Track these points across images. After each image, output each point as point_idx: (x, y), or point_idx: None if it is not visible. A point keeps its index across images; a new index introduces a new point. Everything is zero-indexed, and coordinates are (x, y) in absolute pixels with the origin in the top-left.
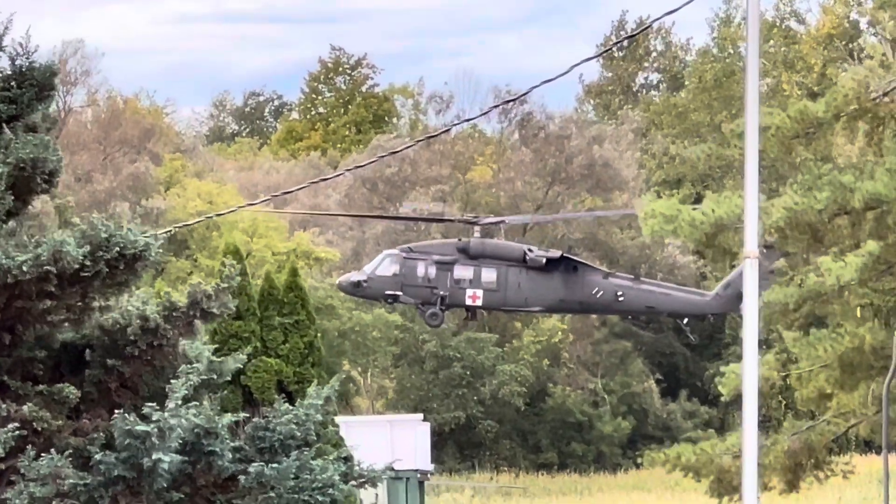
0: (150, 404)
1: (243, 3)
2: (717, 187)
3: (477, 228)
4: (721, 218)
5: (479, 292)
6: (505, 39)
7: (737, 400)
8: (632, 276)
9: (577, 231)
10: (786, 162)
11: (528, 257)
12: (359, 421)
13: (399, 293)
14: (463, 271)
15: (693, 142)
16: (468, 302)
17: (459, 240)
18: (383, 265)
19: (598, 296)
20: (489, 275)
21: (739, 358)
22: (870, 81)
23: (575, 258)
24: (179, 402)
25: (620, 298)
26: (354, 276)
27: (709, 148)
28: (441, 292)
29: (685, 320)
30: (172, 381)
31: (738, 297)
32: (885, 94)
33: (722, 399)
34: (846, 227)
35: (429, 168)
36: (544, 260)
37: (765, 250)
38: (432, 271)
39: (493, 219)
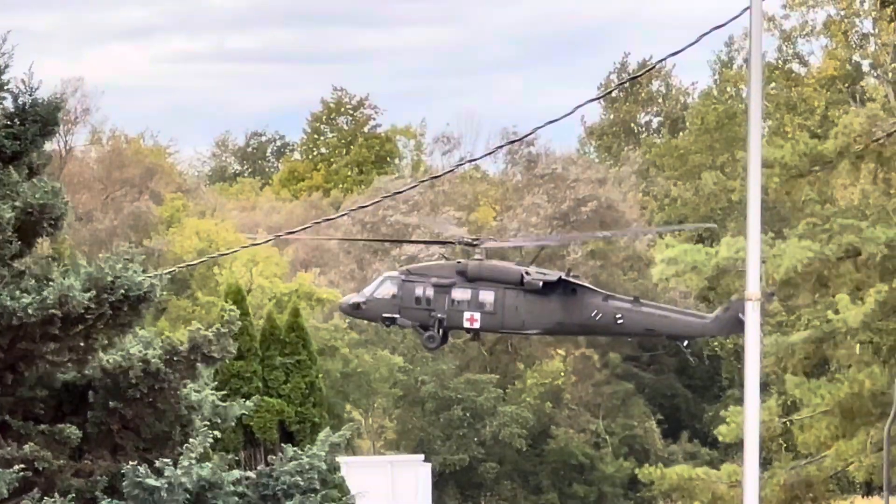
0: (164, 460)
1: (245, 43)
2: (720, 229)
3: (478, 251)
4: (722, 261)
5: (477, 315)
6: (508, 80)
7: (737, 443)
8: (631, 299)
9: (581, 274)
10: (788, 202)
11: (525, 280)
12: (360, 462)
13: (396, 315)
14: (461, 293)
15: (694, 184)
16: (466, 325)
17: (459, 262)
18: (382, 287)
19: (597, 318)
20: (486, 297)
21: (739, 401)
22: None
23: (573, 280)
24: (195, 461)
25: (619, 321)
26: (354, 298)
27: (716, 176)
28: (438, 315)
29: (685, 343)
30: (191, 438)
31: (738, 321)
32: (889, 136)
33: (721, 441)
34: (852, 271)
35: (436, 210)
36: (541, 283)
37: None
38: (430, 293)
39: (495, 242)
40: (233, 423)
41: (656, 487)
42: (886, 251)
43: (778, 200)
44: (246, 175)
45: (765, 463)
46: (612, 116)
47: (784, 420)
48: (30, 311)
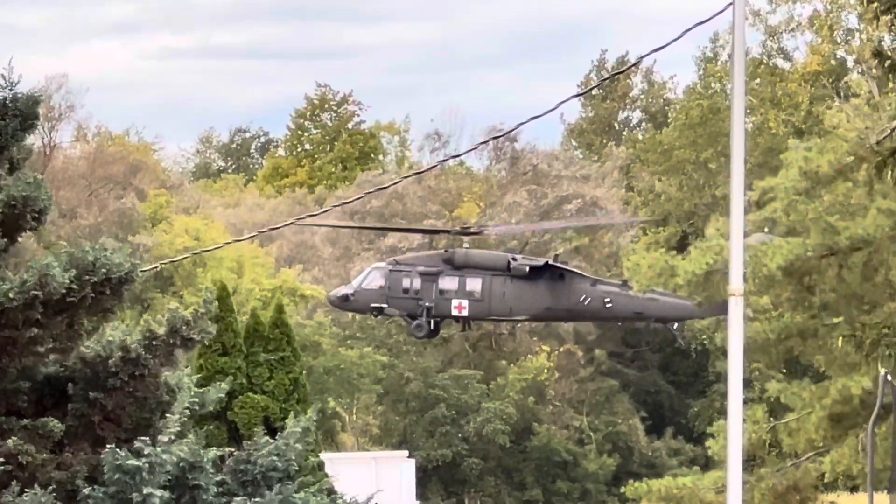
0: (142, 438)
1: (230, 39)
2: (704, 224)
3: (466, 239)
4: (709, 264)
5: (465, 302)
6: (492, 76)
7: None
8: (619, 283)
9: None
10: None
11: (512, 266)
12: (344, 457)
13: (384, 305)
14: (448, 282)
15: (678, 179)
16: (454, 312)
17: (445, 251)
18: (370, 278)
19: (585, 303)
20: (474, 285)
21: (724, 395)
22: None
23: (561, 266)
24: (173, 438)
25: (608, 305)
26: (342, 290)
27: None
28: (426, 304)
29: (675, 325)
30: (168, 415)
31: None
32: (878, 143)
33: (710, 454)
34: (833, 267)
35: (418, 205)
36: (528, 268)
37: None
38: (417, 283)
39: (487, 230)
40: (211, 408)
41: (644, 501)
42: (869, 248)
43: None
44: (230, 171)
45: (753, 467)
46: (592, 114)
47: (771, 425)
48: (11, 296)
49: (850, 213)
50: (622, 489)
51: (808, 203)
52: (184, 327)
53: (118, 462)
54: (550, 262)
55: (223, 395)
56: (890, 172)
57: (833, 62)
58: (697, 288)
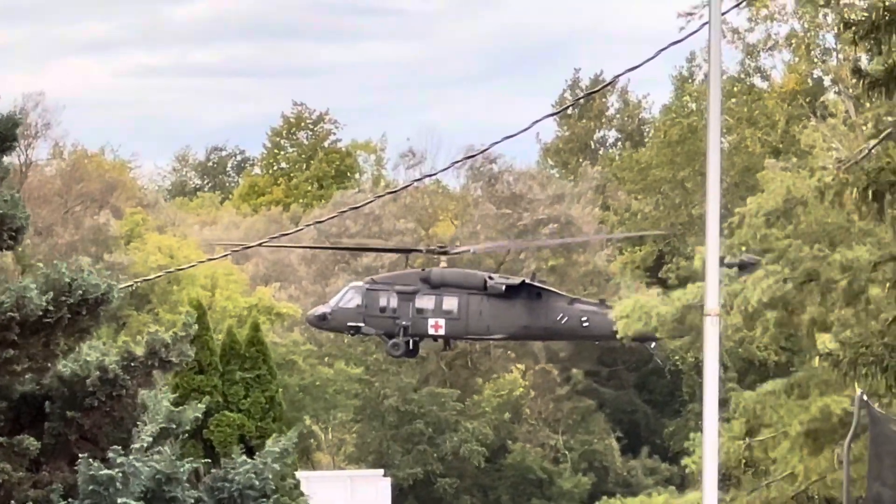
0: (114, 447)
1: (206, 57)
2: (679, 244)
3: (444, 258)
4: (687, 303)
5: (442, 321)
6: (469, 95)
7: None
8: (597, 302)
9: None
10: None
11: (489, 284)
12: (320, 476)
13: (361, 324)
14: (425, 301)
15: (654, 198)
16: (430, 331)
17: (423, 269)
18: (346, 297)
19: (562, 322)
20: (450, 303)
21: (699, 415)
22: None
23: (538, 284)
24: (145, 446)
25: (585, 324)
26: (320, 310)
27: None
28: (403, 322)
29: (652, 344)
30: (139, 423)
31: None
32: (856, 162)
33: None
34: (817, 293)
35: (395, 223)
36: (504, 287)
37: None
38: (394, 302)
39: (461, 248)
40: (188, 427)
41: None
42: (848, 275)
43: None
44: (206, 190)
45: (729, 486)
46: (568, 133)
47: (747, 442)
48: None
49: (830, 239)
50: (592, 484)
51: (782, 229)
52: (163, 349)
53: (91, 473)
54: (528, 280)
55: (199, 415)
56: (875, 196)
57: (810, 82)
58: (673, 328)
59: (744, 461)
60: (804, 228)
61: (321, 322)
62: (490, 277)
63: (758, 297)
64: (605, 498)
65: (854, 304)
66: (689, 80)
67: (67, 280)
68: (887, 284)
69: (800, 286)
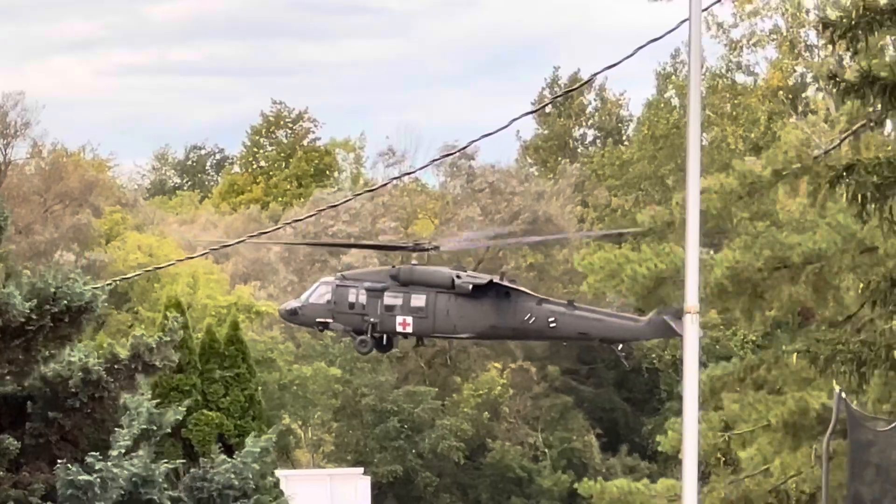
0: (93, 453)
1: (186, 56)
2: (660, 241)
3: (415, 255)
4: (662, 272)
5: (409, 319)
6: (448, 94)
7: (676, 455)
8: (565, 302)
9: (520, 285)
10: (726, 220)
11: (456, 283)
12: (299, 474)
13: (330, 320)
14: (393, 298)
15: (634, 194)
16: (398, 329)
17: (393, 266)
18: (317, 292)
19: (530, 322)
20: (418, 301)
21: (678, 413)
22: (812, 140)
23: (506, 284)
24: (122, 452)
25: (553, 325)
26: (291, 304)
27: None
28: (371, 319)
29: (619, 346)
30: (117, 428)
31: (670, 326)
32: (826, 153)
33: (661, 452)
34: (785, 280)
35: (374, 221)
36: (471, 286)
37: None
38: (363, 298)
39: (449, 244)
40: (168, 430)
41: (595, 501)
42: (821, 264)
43: (719, 216)
44: (186, 188)
45: (704, 477)
46: (547, 131)
47: (724, 435)
48: None
49: (802, 227)
50: (576, 485)
51: (742, 211)
52: (147, 353)
53: (70, 478)
54: (495, 279)
55: (180, 418)
56: (843, 188)
57: (791, 79)
58: (644, 291)
59: (720, 452)
60: (767, 209)
61: (292, 317)
62: (458, 276)
63: (719, 272)
64: (585, 479)
65: (824, 293)
66: (675, 76)
67: (52, 290)
68: (850, 276)
69: (770, 272)
